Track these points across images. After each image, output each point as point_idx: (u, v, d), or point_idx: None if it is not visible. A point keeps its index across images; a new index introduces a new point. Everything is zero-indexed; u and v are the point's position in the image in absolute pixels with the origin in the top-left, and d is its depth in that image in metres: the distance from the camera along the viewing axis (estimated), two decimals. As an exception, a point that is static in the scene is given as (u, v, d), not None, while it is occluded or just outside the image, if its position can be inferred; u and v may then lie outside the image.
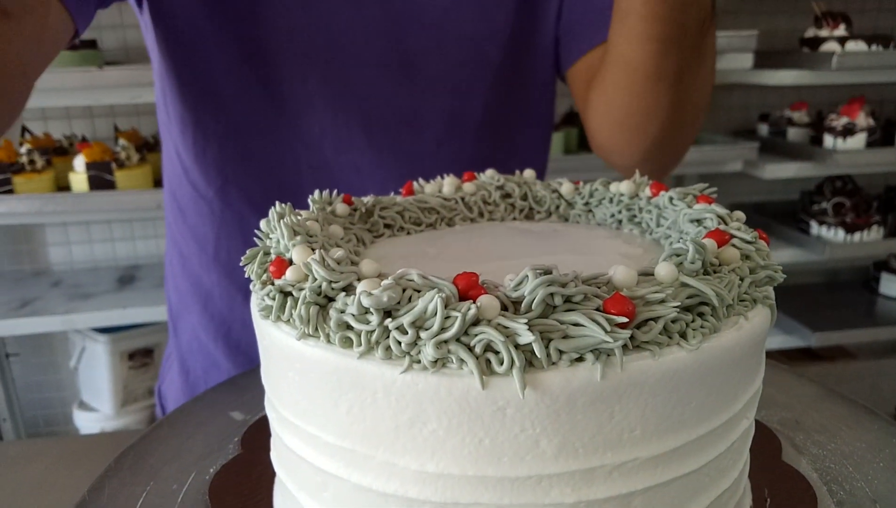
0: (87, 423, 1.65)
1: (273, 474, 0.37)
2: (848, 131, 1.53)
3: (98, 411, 1.66)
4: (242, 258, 0.34)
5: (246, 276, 0.34)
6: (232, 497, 0.37)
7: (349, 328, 0.26)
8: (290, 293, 0.29)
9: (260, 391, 0.49)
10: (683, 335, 0.26)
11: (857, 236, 1.60)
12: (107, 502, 0.37)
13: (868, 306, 1.77)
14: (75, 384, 1.75)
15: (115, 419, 1.64)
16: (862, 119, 1.54)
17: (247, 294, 0.68)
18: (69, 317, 1.45)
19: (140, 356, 1.67)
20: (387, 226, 0.42)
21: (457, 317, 0.24)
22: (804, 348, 1.64)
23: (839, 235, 1.60)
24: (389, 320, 0.25)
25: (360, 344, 0.26)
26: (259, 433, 0.43)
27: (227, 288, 0.68)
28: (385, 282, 0.26)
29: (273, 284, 0.30)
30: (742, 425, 0.30)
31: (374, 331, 0.25)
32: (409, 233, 0.43)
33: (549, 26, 0.65)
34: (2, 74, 0.40)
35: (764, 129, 1.77)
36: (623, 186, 0.42)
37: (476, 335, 0.24)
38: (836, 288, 1.90)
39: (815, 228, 1.64)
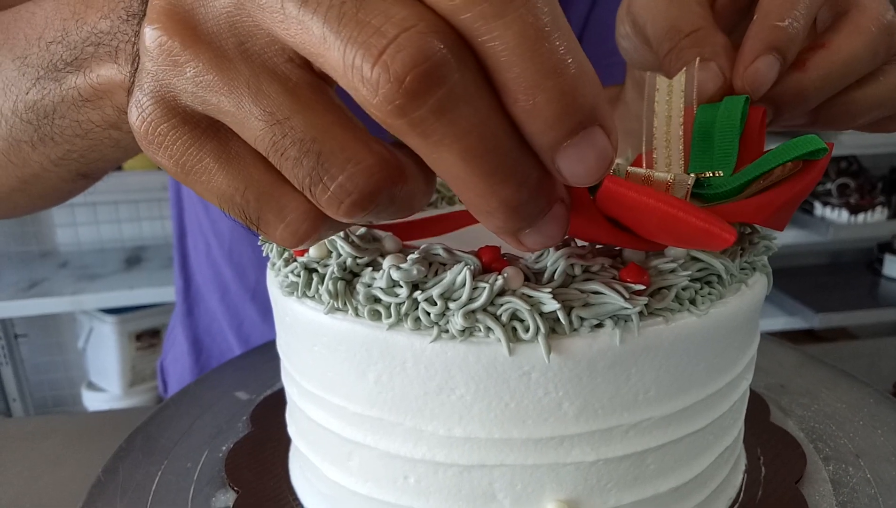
0: (95, 403, 1.67)
1: (287, 449, 0.39)
2: (852, 112, 1.53)
3: (106, 391, 1.68)
4: (260, 238, 0.35)
5: (264, 254, 0.35)
6: (248, 471, 0.38)
7: (377, 301, 0.27)
8: (314, 270, 0.30)
9: (262, 370, 0.51)
10: (693, 302, 0.27)
11: (860, 217, 1.61)
12: (123, 481, 0.38)
13: (871, 287, 1.78)
14: (83, 364, 1.77)
15: (123, 399, 1.65)
16: (867, 100, 1.54)
17: (255, 295, 0.70)
18: (77, 298, 1.46)
19: (147, 337, 1.68)
20: None
21: (485, 288, 0.25)
22: (807, 329, 1.65)
23: (843, 216, 1.61)
24: (418, 292, 0.26)
25: (389, 316, 0.27)
26: (268, 411, 0.44)
27: (239, 287, 0.70)
28: (412, 256, 0.27)
29: (296, 261, 0.31)
30: (742, 386, 0.32)
31: (402, 303, 0.27)
32: None
33: None
34: (56, 203, 0.43)
35: (768, 109, 1.77)
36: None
37: (502, 305, 0.25)
38: (840, 269, 1.91)
39: (819, 209, 1.65)
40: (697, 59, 0.31)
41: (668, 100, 0.31)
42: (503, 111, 0.18)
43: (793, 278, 1.77)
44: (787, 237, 1.63)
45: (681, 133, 0.29)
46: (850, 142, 1.52)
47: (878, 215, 1.62)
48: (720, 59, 0.31)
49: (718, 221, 0.23)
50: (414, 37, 0.16)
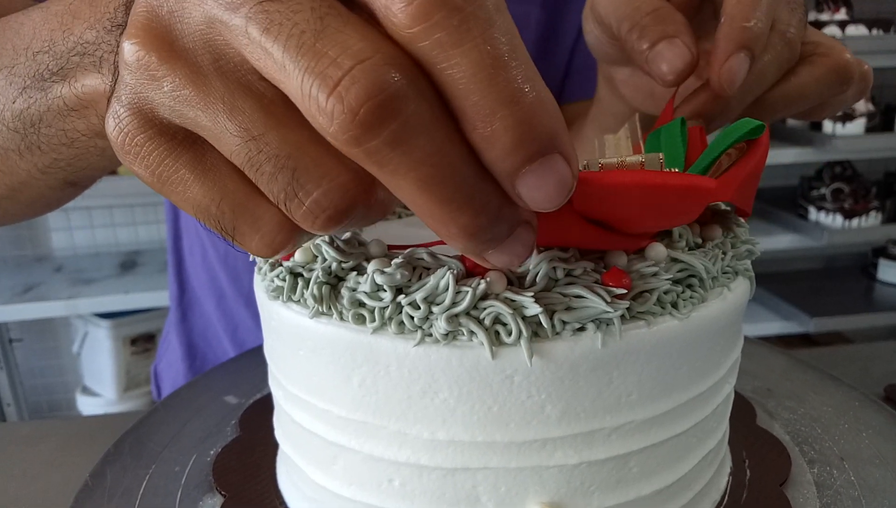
0: (89, 408, 1.67)
1: (274, 453, 0.39)
2: (847, 116, 1.53)
3: (101, 396, 1.68)
4: None
5: (251, 259, 0.35)
6: (235, 475, 0.38)
7: (361, 305, 0.28)
8: (300, 274, 0.30)
9: (252, 375, 0.51)
10: (675, 306, 0.28)
11: (855, 221, 1.61)
12: (111, 485, 0.38)
13: (866, 292, 1.78)
14: (78, 369, 1.77)
15: (117, 404, 1.65)
16: (861, 104, 1.55)
17: (249, 301, 0.70)
18: (72, 302, 1.46)
19: (142, 342, 1.68)
20: None
21: (467, 292, 0.25)
22: (802, 334, 1.66)
23: (837, 221, 1.61)
24: (402, 296, 0.26)
25: (373, 320, 0.27)
26: (257, 415, 0.44)
27: (234, 292, 0.70)
28: (396, 261, 0.27)
29: (282, 265, 0.31)
30: (725, 389, 0.32)
31: (386, 307, 0.27)
32: (399, 216, 0.44)
33: (563, 61, 0.67)
34: (46, 210, 0.44)
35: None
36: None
37: (485, 309, 0.26)
38: (834, 274, 1.91)
39: (813, 213, 1.65)
40: (637, 114, 0.34)
41: (617, 145, 0.33)
42: (461, 139, 0.18)
43: (788, 283, 1.77)
44: (782, 242, 1.64)
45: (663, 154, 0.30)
46: (844, 147, 1.53)
47: (873, 219, 1.62)
48: (684, 36, 0.33)
49: (697, 176, 0.23)
50: (368, 69, 0.17)
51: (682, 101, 0.36)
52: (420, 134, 0.17)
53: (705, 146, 0.32)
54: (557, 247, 0.28)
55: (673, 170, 0.29)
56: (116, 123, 0.21)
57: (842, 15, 1.55)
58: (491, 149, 0.18)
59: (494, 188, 0.19)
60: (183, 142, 0.21)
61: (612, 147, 0.33)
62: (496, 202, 0.19)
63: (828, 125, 1.55)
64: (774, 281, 1.77)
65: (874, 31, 1.49)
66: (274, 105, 0.19)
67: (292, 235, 0.21)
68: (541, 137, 0.18)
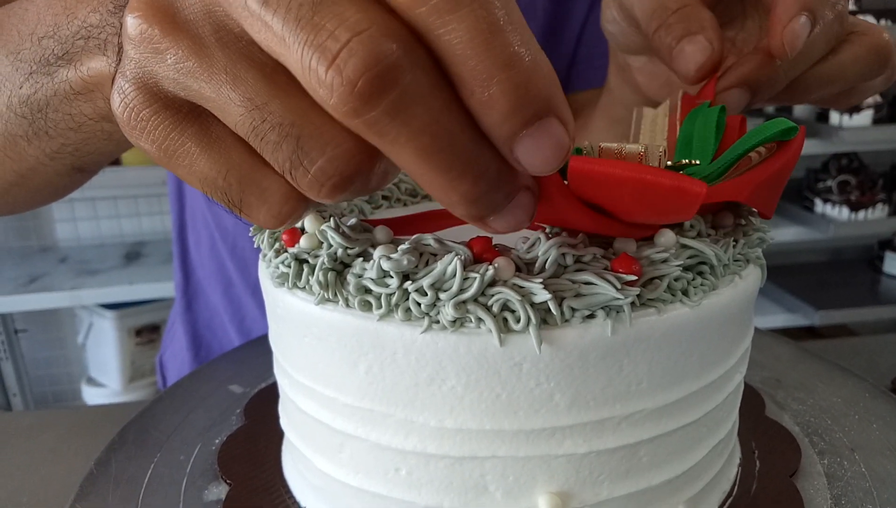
0: (95, 399, 1.67)
1: (279, 442, 0.39)
2: (854, 108, 1.52)
3: (106, 386, 1.68)
4: (251, 229, 0.35)
5: (256, 246, 0.35)
6: (240, 464, 0.38)
7: (368, 291, 0.27)
8: (305, 261, 0.30)
9: (257, 364, 0.51)
10: (686, 293, 0.27)
11: (861, 214, 1.60)
12: (116, 474, 0.38)
13: (872, 284, 1.78)
14: (83, 360, 1.77)
15: (122, 394, 1.66)
16: (868, 96, 1.54)
17: (256, 290, 0.70)
18: (76, 293, 1.46)
19: (147, 332, 1.68)
20: (384, 197, 0.43)
21: (475, 278, 0.25)
22: (807, 326, 1.65)
23: (844, 213, 1.60)
24: (409, 282, 0.26)
25: (379, 307, 0.27)
26: (261, 404, 0.44)
27: (241, 281, 0.70)
28: (403, 247, 0.27)
29: (287, 252, 0.31)
30: (736, 379, 0.32)
31: (393, 294, 0.26)
32: (405, 204, 0.44)
33: (569, 50, 0.66)
34: (53, 198, 0.44)
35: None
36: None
37: (493, 296, 0.25)
38: (840, 267, 1.91)
39: (819, 206, 1.64)
40: (681, 91, 0.34)
41: (654, 121, 0.33)
42: (459, 106, 0.18)
43: (793, 276, 1.76)
44: (788, 235, 1.63)
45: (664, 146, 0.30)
46: (850, 139, 1.52)
47: (879, 212, 1.61)
48: (707, 33, 0.34)
49: (688, 178, 0.23)
50: (366, 41, 0.17)
51: (730, 67, 0.36)
52: (418, 103, 0.17)
53: (745, 134, 0.32)
54: (566, 233, 0.28)
55: (694, 161, 0.29)
56: (122, 98, 0.21)
57: (850, 5, 1.53)
58: (489, 114, 0.18)
59: (493, 155, 0.19)
60: (188, 115, 0.21)
61: (648, 123, 0.33)
62: (495, 168, 0.19)
63: (834, 117, 1.54)
64: (780, 273, 1.76)
65: (882, 21, 1.48)
66: (276, 74, 0.19)
67: (298, 205, 0.21)
68: (537, 100, 0.18)
